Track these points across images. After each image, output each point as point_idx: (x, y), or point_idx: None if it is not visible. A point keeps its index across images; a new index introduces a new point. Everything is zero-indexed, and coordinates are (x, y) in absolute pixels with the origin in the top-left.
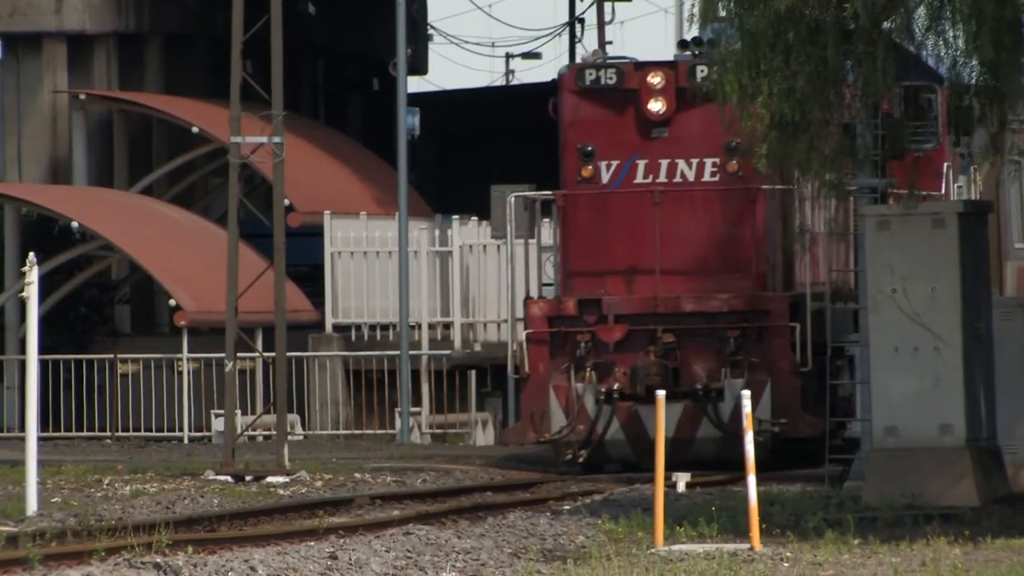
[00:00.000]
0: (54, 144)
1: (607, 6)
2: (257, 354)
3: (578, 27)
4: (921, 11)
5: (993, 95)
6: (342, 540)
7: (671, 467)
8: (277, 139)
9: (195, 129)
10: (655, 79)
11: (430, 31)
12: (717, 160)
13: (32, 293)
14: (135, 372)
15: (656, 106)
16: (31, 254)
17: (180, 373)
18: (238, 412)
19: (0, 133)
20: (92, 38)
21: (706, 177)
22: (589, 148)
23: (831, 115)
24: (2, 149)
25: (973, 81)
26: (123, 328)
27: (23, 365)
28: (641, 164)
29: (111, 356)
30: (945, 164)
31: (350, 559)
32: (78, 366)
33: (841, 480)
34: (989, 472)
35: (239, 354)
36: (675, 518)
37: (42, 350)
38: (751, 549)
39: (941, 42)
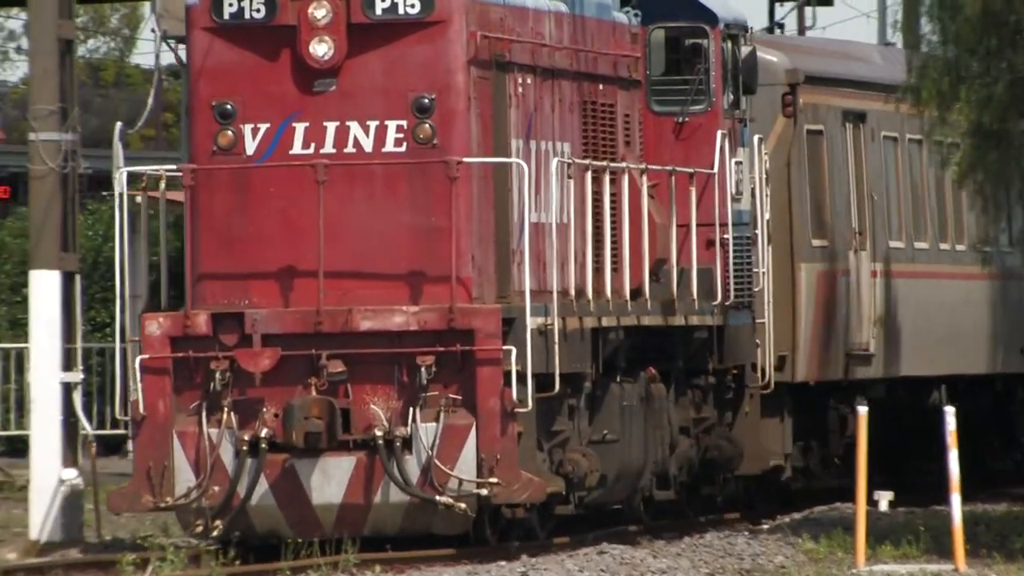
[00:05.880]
0: None
1: (808, 11)
2: None
3: (778, 33)
4: None
5: None
6: (534, 559)
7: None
8: None
9: None
10: (319, 12)
11: None
12: (404, 123)
13: None
14: None
15: (320, 49)
16: None
17: None
18: None
19: None
20: None
21: (389, 146)
22: (228, 106)
23: None
24: None
25: None
26: None
27: None
28: (300, 128)
29: None
30: (719, 132)
31: None
32: None
33: None
34: None
35: None
36: (877, 537)
37: None
38: (955, 570)
39: None
